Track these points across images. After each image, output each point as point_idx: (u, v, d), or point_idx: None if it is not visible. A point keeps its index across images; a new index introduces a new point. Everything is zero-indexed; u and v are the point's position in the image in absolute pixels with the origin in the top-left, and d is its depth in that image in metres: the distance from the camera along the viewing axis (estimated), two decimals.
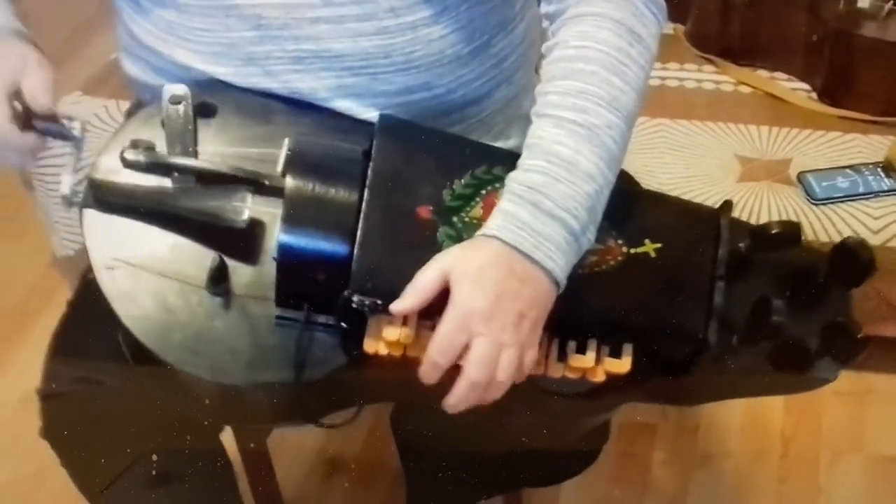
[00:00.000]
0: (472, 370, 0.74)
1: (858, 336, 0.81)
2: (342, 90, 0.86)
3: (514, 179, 0.78)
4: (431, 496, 1.25)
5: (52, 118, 0.80)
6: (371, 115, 0.85)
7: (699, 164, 1.49)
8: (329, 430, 0.84)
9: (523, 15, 0.93)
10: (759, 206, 1.42)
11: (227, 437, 1.19)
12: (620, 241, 0.82)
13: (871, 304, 1.42)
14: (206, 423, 0.95)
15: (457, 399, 0.75)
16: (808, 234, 1.39)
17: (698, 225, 0.85)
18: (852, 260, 0.82)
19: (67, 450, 0.95)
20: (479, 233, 0.76)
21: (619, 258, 0.82)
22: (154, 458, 0.93)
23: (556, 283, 0.76)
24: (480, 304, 0.73)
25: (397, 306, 0.74)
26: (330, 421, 0.85)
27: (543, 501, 1.40)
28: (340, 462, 1.48)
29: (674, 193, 1.42)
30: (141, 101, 0.97)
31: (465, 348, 0.74)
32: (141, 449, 0.93)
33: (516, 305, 0.74)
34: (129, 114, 0.93)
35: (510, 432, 0.97)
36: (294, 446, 1.46)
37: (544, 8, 0.86)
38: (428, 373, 0.75)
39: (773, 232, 0.82)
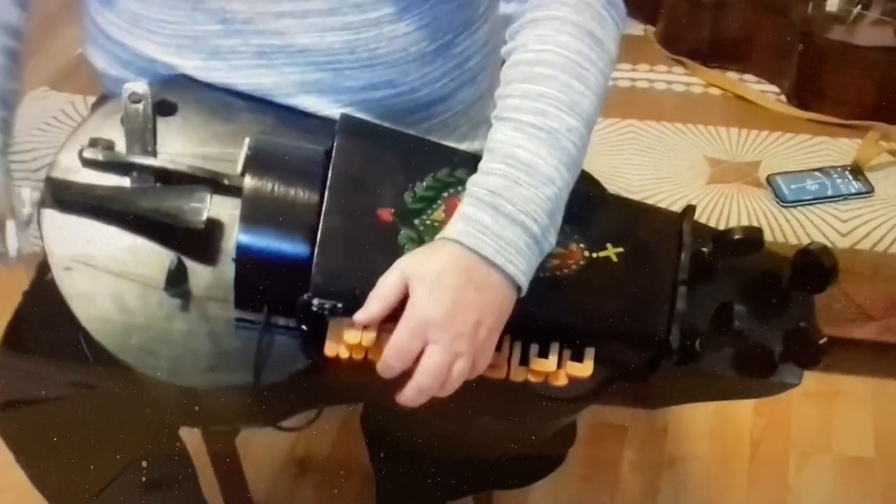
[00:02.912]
0: (423, 378, 0.74)
1: (820, 342, 0.81)
2: (306, 86, 0.85)
3: (474, 183, 0.77)
4: (401, 497, 1.25)
5: None
6: (335, 111, 0.85)
7: (669, 165, 1.49)
8: (300, 430, 0.84)
9: (487, 17, 0.93)
10: (729, 208, 1.43)
11: (196, 439, 1.19)
12: (582, 246, 0.82)
13: (839, 305, 1.43)
14: (164, 423, 0.94)
15: (406, 400, 0.75)
16: (776, 237, 1.40)
17: (661, 229, 0.85)
18: (815, 266, 0.82)
19: (26, 453, 0.95)
20: (439, 236, 0.76)
21: (581, 262, 0.81)
22: (132, 466, 0.93)
23: (517, 288, 0.76)
24: (436, 311, 0.73)
25: (361, 315, 0.74)
26: (289, 423, 0.85)
27: (513, 502, 1.40)
28: (310, 462, 1.47)
29: (643, 195, 1.43)
30: (106, 96, 0.96)
31: (421, 352, 0.74)
32: (105, 453, 0.92)
33: (473, 314, 0.73)
34: (95, 109, 0.93)
35: (478, 433, 0.97)
36: (263, 447, 1.45)
37: (503, 8, 0.85)
38: (383, 374, 0.75)
39: (736, 237, 0.82)
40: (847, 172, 1.46)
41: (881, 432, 1.50)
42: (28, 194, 0.79)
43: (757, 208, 1.43)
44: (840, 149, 1.51)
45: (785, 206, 1.42)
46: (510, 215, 0.75)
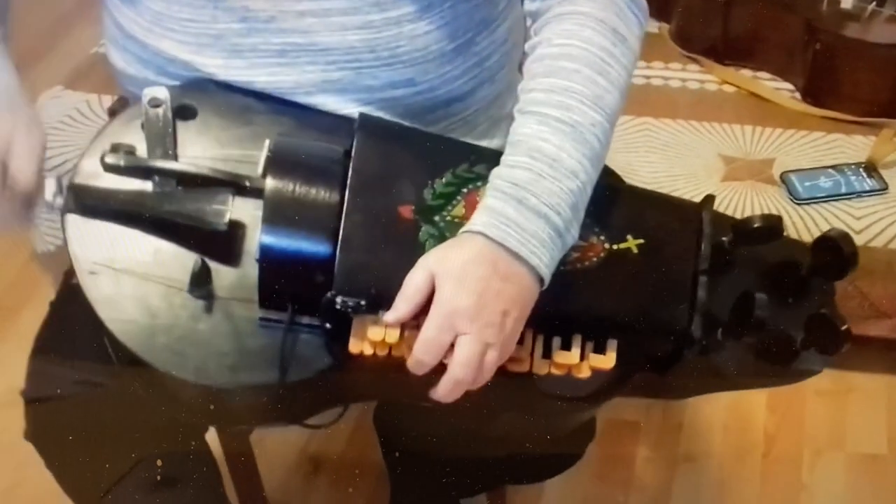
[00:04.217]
0: (457, 370, 0.74)
1: (843, 328, 0.81)
2: (327, 84, 0.86)
3: (498, 176, 0.78)
4: (415, 495, 1.25)
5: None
6: (355, 110, 0.85)
7: (683, 163, 1.49)
8: (326, 427, 0.85)
9: (506, 14, 0.93)
10: (743, 205, 1.43)
11: (211, 436, 1.19)
12: (603, 238, 0.82)
13: (853, 303, 1.43)
14: (190, 424, 0.95)
15: (441, 395, 0.76)
16: (790, 234, 1.39)
17: (680, 220, 0.85)
18: (835, 252, 0.82)
19: (56, 456, 0.95)
20: (463, 229, 0.76)
21: (602, 254, 0.82)
22: (148, 464, 0.93)
23: (541, 280, 0.76)
24: (465, 303, 0.73)
25: (390, 316, 0.74)
26: (315, 421, 0.85)
27: (527, 499, 1.40)
28: (324, 461, 1.48)
29: None
30: (124, 99, 0.96)
31: (451, 346, 0.74)
32: (131, 454, 0.93)
33: (500, 304, 0.74)
34: (112, 112, 0.93)
35: (494, 431, 0.98)
36: (277, 445, 1.46)
37: (528, 6, 0.86)
38: (414, 370, 0.75)
39: (755, 226, 0.82)
40: (861, 170, 1.46)
41: (894, 429, 1.50)
42: (54, 184, 0.79)
43: (771, 206, 1.43)
44: (854, 146, 1.51)
45: (799, 204, 1.42)
46: (534, 208, 0.75)
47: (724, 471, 1.46)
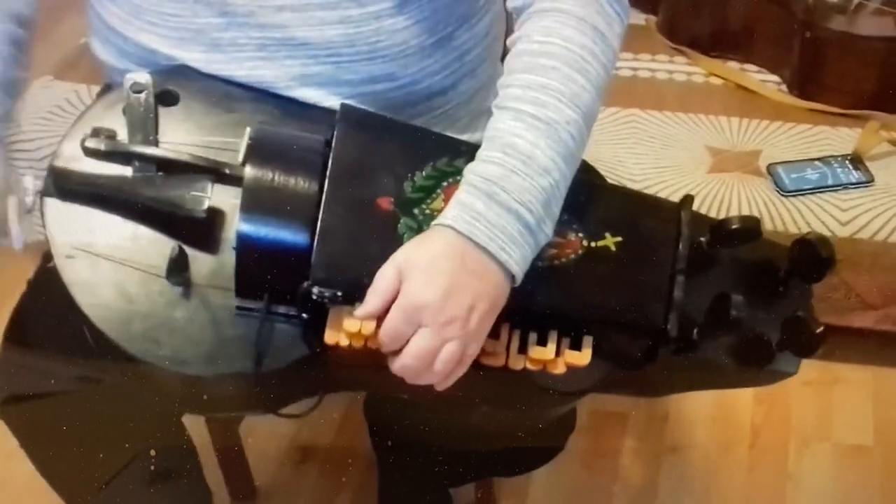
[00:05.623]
0: (407, 359, 0.75)
1: (817, 331, 0.82)
2: (306, 79, 0.86)
3: (471, 171, 0.78)
4: (404, 483, 1.25)
5: None
6: (334, 104, 0.85)
7: (670, 154, 1.50)
8: (301, 417, 0.85)
9: (487, 9, 0.93)
10: (730, 197, 1.43)
11: (200, 426, 1.20)
12: (581, 235, 0.82)
13: (839, 295, 1.43)
14: (166, 413, 0.95)
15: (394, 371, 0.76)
16: (777, 226, 1.40)
17: (659, 219, 0.85)
18: (812, 255, 0.82)
19: (32, 441, 0.95)
20: (434, 223, 0.77)
21: (580, 251, 0.82)
22: (128, 453, 0.94)
23: (511, 276, 0.76)
24: (430, 297, 0.73)
25: (361, 312, 0.75)
26: (291, 411, 0.85)
27: (514, 489, 1.41)
28: (313, 449, 1.48)
29: (645, 184, 1.44)
30: (111, 86, 0.96)
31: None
32: (110, 443, 0.93)
33: (466, 299, 0.74)
34: (98, 98, 0.93)
35: (478, 422, 0.98)
36: (266, 433, 1.46)
37: (510, 3, 0.86)
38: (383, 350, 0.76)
39: (733, 227, 0.82)
40: (847, 162, 1.46)
41: (880, 420, 1.50)
42: (31, 183, 0.80)
43: (757, 197, 1.43)
44: (840, 138, 1.52)
45: (785, 196, 1.43)
46: (504, 203, 0.75)
47: (710, 462, 1.47)
